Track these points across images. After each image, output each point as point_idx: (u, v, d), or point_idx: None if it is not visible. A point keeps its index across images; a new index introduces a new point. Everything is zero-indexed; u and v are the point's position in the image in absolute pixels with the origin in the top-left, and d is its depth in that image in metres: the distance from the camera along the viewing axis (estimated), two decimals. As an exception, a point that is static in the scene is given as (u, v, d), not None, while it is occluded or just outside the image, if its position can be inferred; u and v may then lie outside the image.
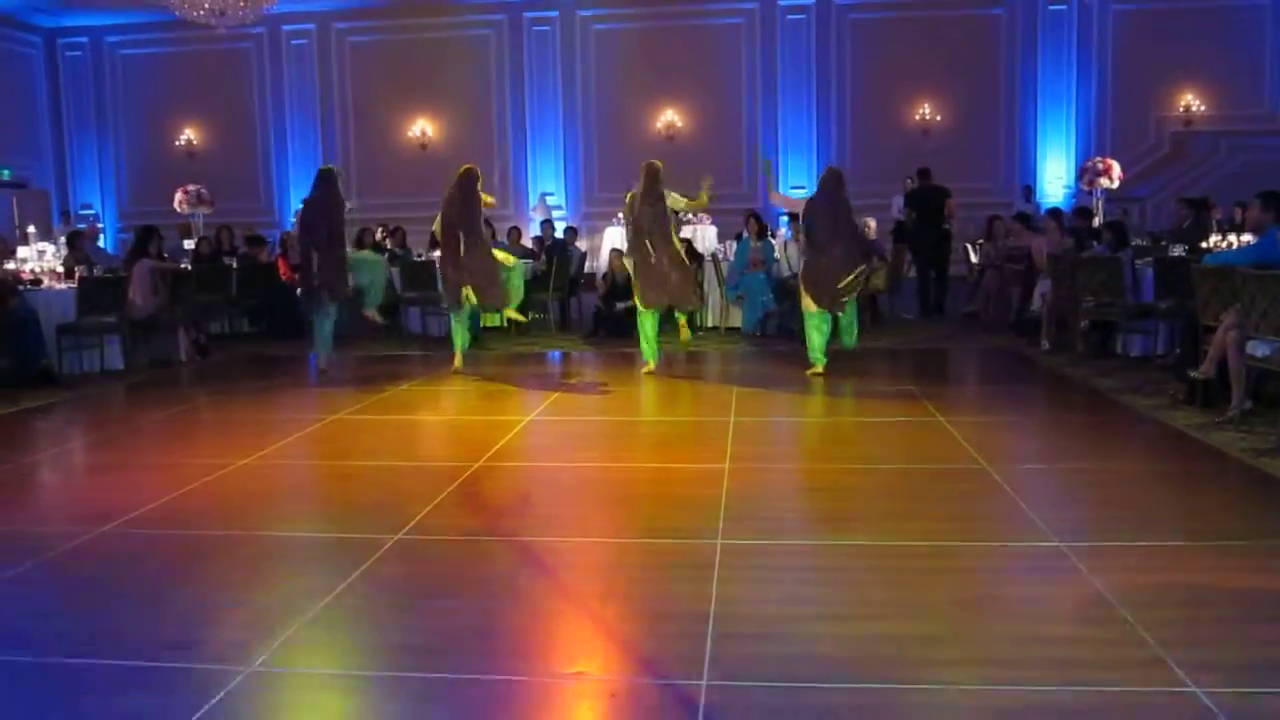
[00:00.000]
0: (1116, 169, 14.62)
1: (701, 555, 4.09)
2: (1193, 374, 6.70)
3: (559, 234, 13.84)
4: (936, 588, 3.75)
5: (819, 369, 8.32)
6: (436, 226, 9.02)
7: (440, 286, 9.18)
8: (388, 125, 18.54)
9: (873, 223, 12.44)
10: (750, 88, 17.90)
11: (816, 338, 8.35)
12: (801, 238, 8.72)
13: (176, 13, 13.29)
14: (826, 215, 8.26)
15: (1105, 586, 3.65)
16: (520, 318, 9.69)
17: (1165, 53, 16.66)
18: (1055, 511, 4.57)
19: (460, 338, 9.01)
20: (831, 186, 8.34)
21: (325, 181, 9.06)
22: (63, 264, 10.24)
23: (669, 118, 17.92)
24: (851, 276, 8.19)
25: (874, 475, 5.44)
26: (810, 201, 8.43)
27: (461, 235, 8.65)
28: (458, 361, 8.97)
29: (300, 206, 9.39)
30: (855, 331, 8.61)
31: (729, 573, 3.89)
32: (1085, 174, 15.08)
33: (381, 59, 18.45)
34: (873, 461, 5.76)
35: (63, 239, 12.36)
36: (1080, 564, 3.90)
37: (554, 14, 18.06)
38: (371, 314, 9.41)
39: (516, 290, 9.07)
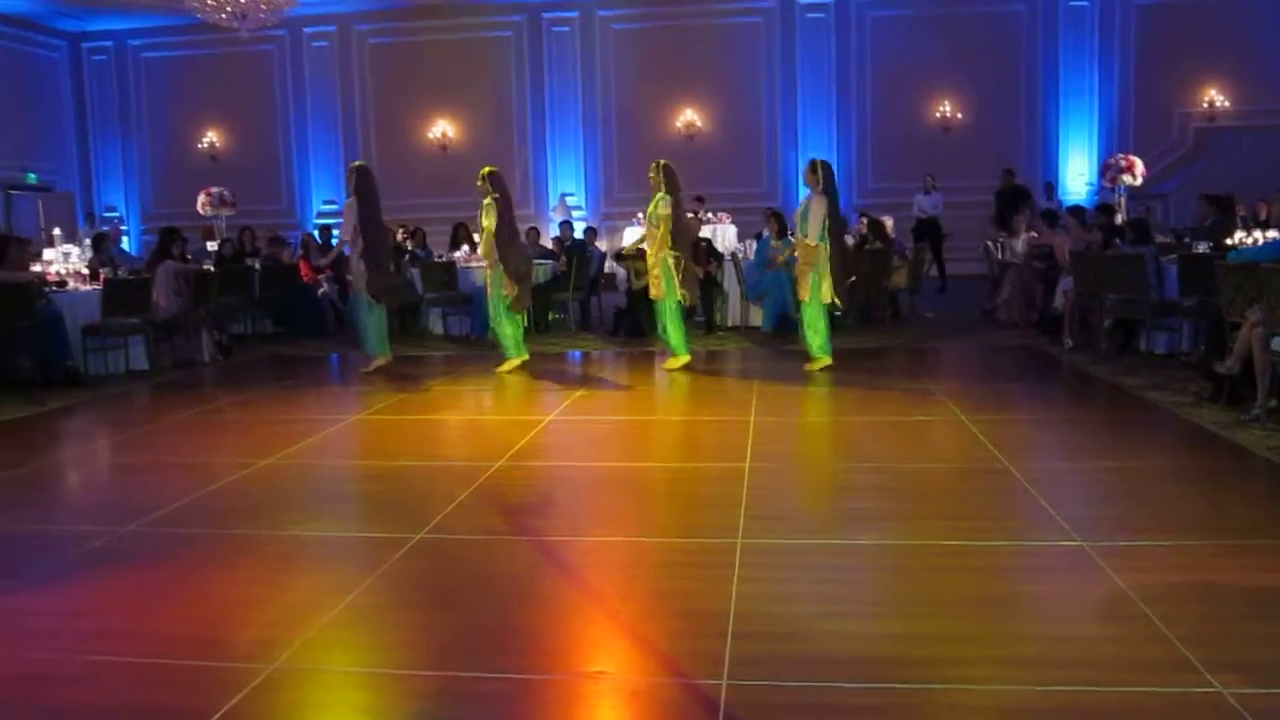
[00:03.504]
0: (1139, 166, 14.46)
1: (722, 555, 4.09)
2: (1217, 367, 6.64)
3: (578, 234, 13.86)
4: (958, 587, 3.74)
5: (827, 362, 8.40)
6: (492, 229, 8.80)
7: (506, 288, 8.95)
8: (408, 126, 18.61)
9: (889, 221, 12.42)
10: (770, 87, 17.86)
11: (823, 328, 8.46)
12: (827, 232, 8.72)
13: (199, 15, 13.42)
14: (835, 209, 8.52)
15: (1128, 585, 3.63)
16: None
17: (1188, 48, 16.51)
18: (1077, 510, 4.55)
19: (519, 338, 9.08)
20: (834, 183, 8.57)
21: (368, 178, 9.09)
22: (87, 266, 10.34)
23: (689, 117, 17.91)
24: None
25: (895, 474, 5.41)
26: (833, 197, 8.52)
27: (509, 234, 8.87)
28: (517, 361, 9.00)
29: (352, 205, 9.04)
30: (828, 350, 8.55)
31: (749, 572, 3.89)
32: (1108, 171, 14.94)
33: (402, 60, 18.51)
34: (893, 460, 5.74)
35: (88, 241, 12.51)
36: (1103, 562, 3.87)
37: (573, 14, 18.08)
38: (380, 360, 9.17)
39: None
